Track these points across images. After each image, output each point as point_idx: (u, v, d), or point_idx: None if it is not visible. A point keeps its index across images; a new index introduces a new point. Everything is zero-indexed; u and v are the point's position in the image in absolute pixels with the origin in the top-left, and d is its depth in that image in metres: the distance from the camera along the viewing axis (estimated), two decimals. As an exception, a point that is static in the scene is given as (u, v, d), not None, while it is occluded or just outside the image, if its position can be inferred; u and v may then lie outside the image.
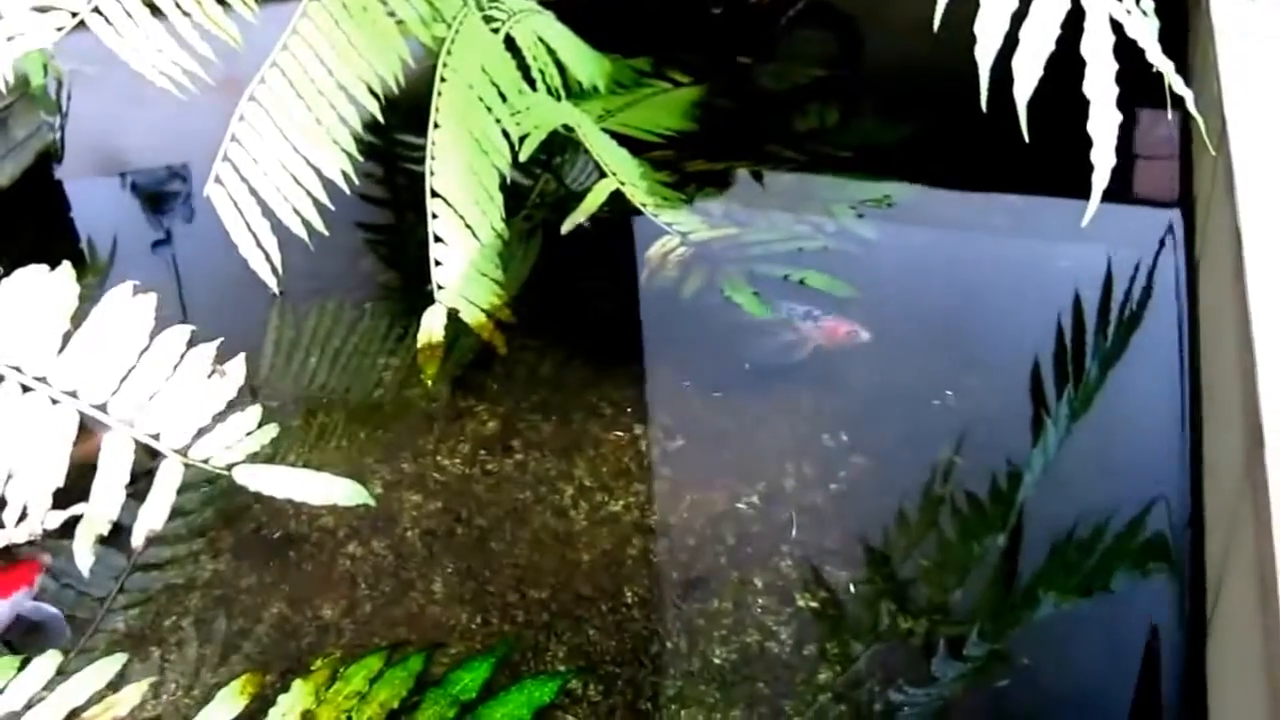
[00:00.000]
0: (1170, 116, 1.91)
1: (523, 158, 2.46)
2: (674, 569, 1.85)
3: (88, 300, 1.84)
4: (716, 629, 1.73)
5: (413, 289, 2.33)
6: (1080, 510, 1.85)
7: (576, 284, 2.56)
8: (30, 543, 1.67)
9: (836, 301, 2.31)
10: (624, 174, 2.56)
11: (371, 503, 1.85)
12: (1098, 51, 1.76)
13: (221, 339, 1.86)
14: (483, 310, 2.21)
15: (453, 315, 2.20)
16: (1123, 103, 1.77)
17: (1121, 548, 1.81)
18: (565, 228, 2.45)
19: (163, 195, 2.80)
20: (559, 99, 2.72)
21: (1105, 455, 1.98)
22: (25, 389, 1.69)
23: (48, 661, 1.60)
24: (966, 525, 1.87)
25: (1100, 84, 1.76)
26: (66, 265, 1.81)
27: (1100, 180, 1.76)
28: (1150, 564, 1.79)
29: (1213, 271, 2.01)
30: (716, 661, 1.68)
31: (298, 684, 1.61)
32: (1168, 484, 1.90)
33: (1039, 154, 1.81)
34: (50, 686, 1.58)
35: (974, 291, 2.43)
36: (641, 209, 2.50)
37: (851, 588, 1.78)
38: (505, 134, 2.46)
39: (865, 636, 1.70)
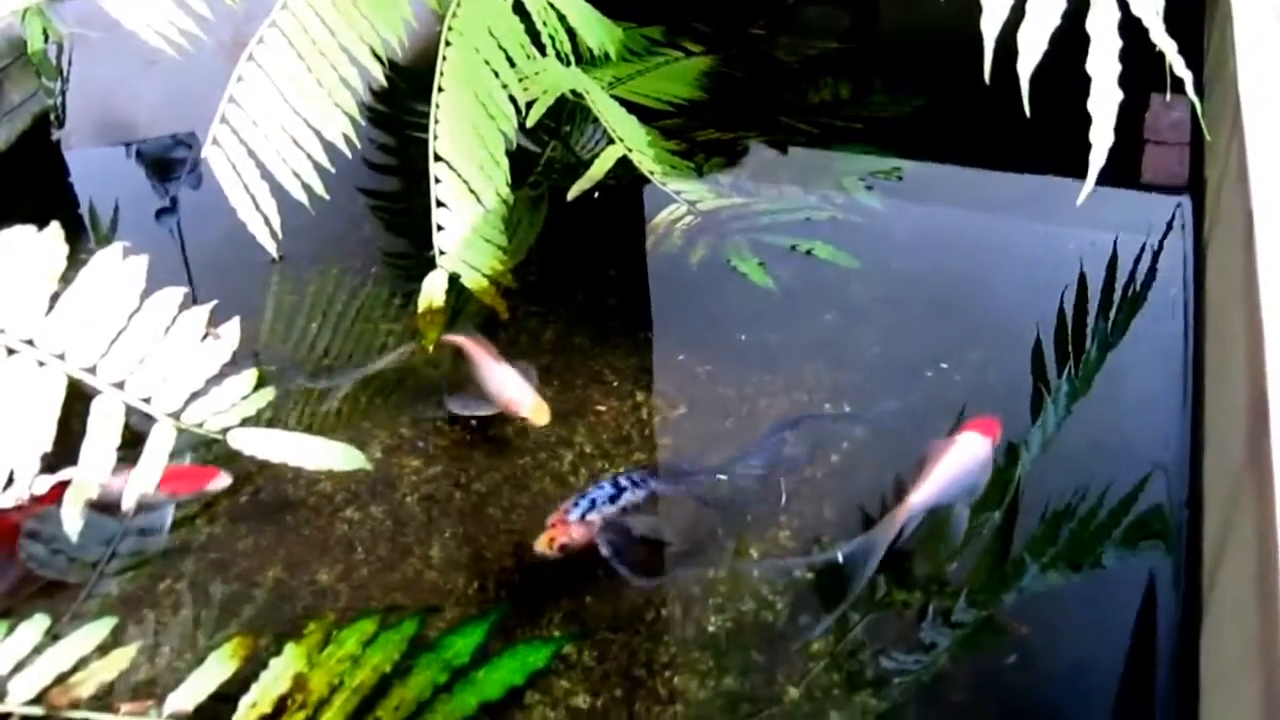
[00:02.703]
0: (1184, 101, 1.86)
1: (530, 123, 2.43)
2: (671, 537, 1.83)
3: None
4: (712, 597, 1.71)
5: (416, 255, 2.31)
6: (1078, 487, 1.82)
7: (583, 251, 2.53)
8: (18, 507, 1.65)
9: (839, 272, 2.28)
10: (632, 141, 2.53)
11: (368, 467, 1.84)
12: (1102, 28, 1.75)
13: (216, 302, 1.84)
14: (484, 275, 2.19)
15: (455, 280, 2.18)
16: (1138, 87, 1.75)
17: (1118, 524, 1.78)
18: (571, 194, 2.42)
19: (169, 162, 2.77)
20: (568, 65, 2.69)
21: (1104, 434, 1.95)
22: (11, 351, 1.66)
23: (34, 626, 1.58)
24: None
25: (1103, 61, 1.74)
26: (55, 226, 1.79)
27: (1098, 159, 1.74)
28: (1147, 541, 1.76)
29: (1221, 255, 1.98)
30: (711, 630, 1.66)
31: (290, 647, 1.59)
32: (1167, 463, 1.87)
33: (1052, 132, 1.81)
34: (39, 650, 1.56)
35: (979, 267, 2.39)
36: (649, 176, 2.48)
37: (839, 557, 1.74)
38: (513, 99, 2.43)
39: (860, 607, 1.67)
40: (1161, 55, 1.78)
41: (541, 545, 1.72)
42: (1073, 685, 1.59)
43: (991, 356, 2.11)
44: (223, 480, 1.83)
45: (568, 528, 1.73)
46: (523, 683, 1.58)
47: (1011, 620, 1.65)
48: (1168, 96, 1.85)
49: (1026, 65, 1.72)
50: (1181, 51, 1.81)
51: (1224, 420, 1.68)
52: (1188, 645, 1.57)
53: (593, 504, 1.76)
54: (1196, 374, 2.00)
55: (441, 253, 2.18)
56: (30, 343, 1.67)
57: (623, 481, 1.82)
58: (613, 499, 1.78)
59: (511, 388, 2.00)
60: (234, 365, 1.84)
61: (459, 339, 2.08)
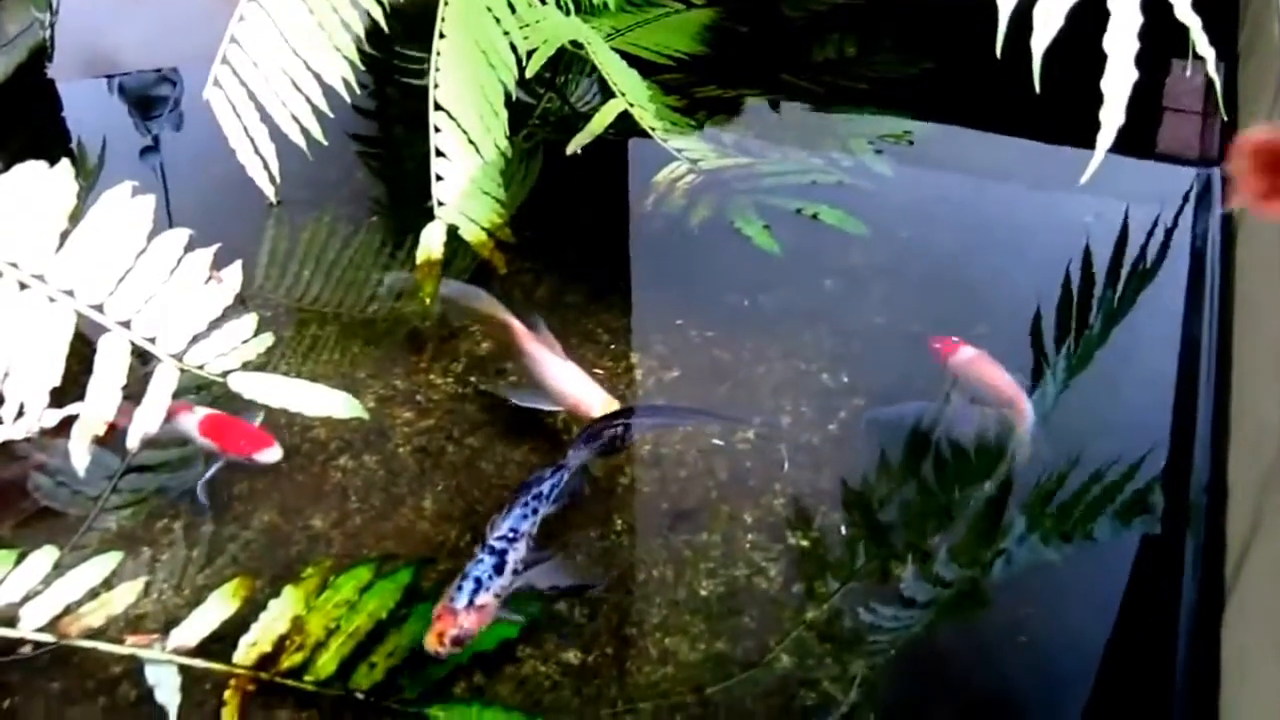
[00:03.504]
0: (1214, 69, 1.91)
1: (529, 73, 2.52)
2: (664, 500, 1.96)
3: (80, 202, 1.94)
4: (704, 561, 1.84)
5: (409, 205, 2.41)
6: (1080, 464, 1.94)
7: (578, 207, 2.64)
8: (27, 439, 1.78)
9: (843, 238, 2.38)
10: (633, 95, 2.62)
11: (366, 416, 1.96)
12: (1122, 4, 1.80)
13: (219, 245, 1.97)
14: (483, 228, 2.29)
15: (451, 232, 2.27)
16: (1158, 52, 1.83)
17: (1120, 500, 1.90)
18: (571, 148, 2.49)
19: (152, 98, 2.88)
20: (568, 14, 2.78)
21: (1104, 410, 2.07)
22: (23, 286, 1.79)
23: (44, 556, 1.72)
24: (959, 470, 1.97)
25: (1121, 38, 1.79)
26: (65, 163, 1.91)
27: (1105, 139, 1.81)
28: (1154, 520, 1.88)
29: (1255, 236, 2.03)
30: (703, 593, 1.80)
31: (289, 590, 1.73)
32: (1177, 442, 1.99)
33: (1066, 96, 1.85)
34: (47, 581, 1.70)
35: (988, 237, 2.50)
36: (650, 132, 2.56)
37: (843, 529, 1.89)
38: (513, 49, 2.52)
39: (853, 576, 1.82)
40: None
41: (431, 643, 1.64)
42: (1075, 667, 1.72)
43: (998, 327, 2.20)
44: (274, 453, 1.92)
45: (456, 618, 1.65)
46: (515, 636, 1.72)
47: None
48: (1188, 70, 1.92)
49: (1040, 41, 1.78)
50: (1217, 12, 1.85)
51: (1255, 407, 1.75)
52: (1206, 628, 1.67)
53: (478, 585, 1.68)
54: (1221, 353, 2.10)
55: (440, 203, 2.29)
56: (41, 279, 1.79)
57: (498, 544, 1.74)
58: (498, 569, 1.71)
59: (577, 386, 2.04)
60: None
61: (515, 326, 2.11)
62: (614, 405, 2.01)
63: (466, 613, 1.65)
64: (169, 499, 1.93)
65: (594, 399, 2.01)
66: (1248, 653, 1.49)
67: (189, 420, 1.90)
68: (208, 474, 1.93)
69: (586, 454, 1.94)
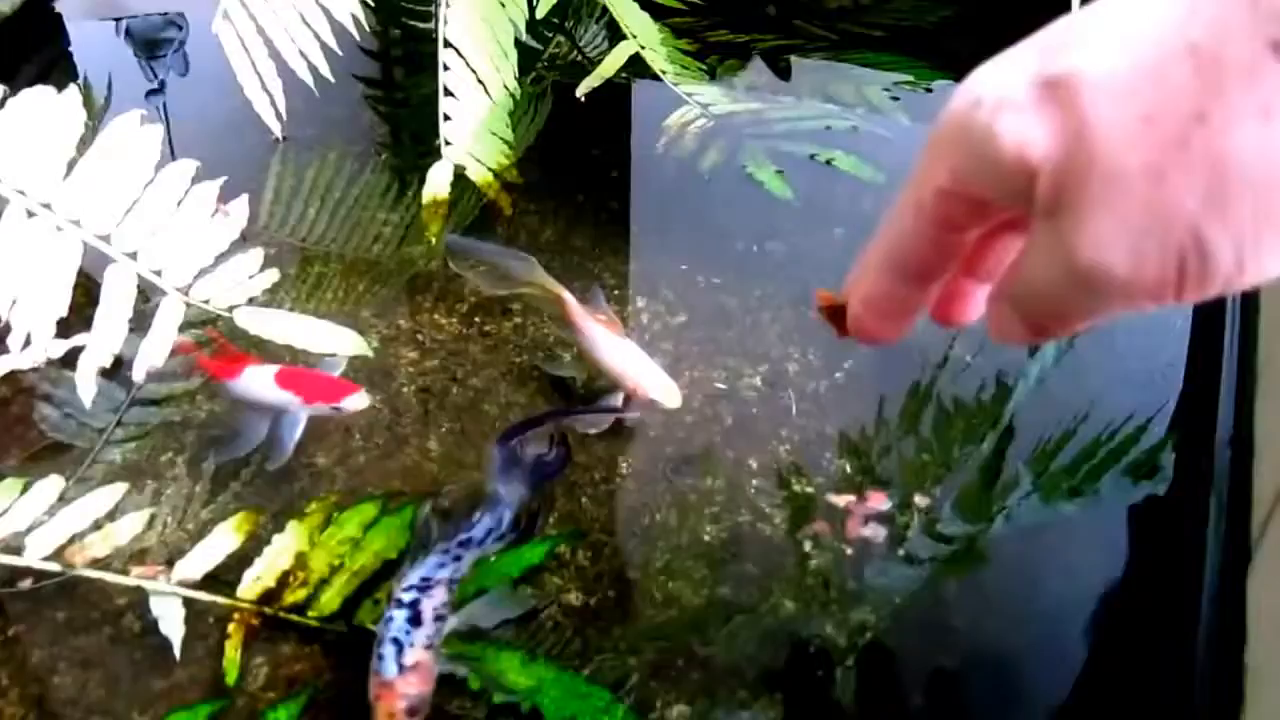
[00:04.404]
0: None
1: (540, 13, 2.54)
2: (669, 444, 1.99)
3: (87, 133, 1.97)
4: (709, 507, 1.88)
5: (415, 145, 2.45)
6: (1092, 417, 1.98)
7: (586, 150, 2.66)
8: (34, 370, 1.82)
9: (856, 186, 2.42)
10: (644, 38, 2.65)
11: (370, 354, 2.00)
12: None
13: (225, 178, 2.00)
14: (490, 169, 2.32)
15: (458, 173, 2.31)
16: None
17: (1135, 455, 1.93)
18: (581, 90, 2.52)
19: (157, 41, 2.90)
20: (580, -47, 2.81)
21: (1119, 361, 2.11)
22: (30, 214, 1.82)
23: (50, 486, 1.76)
24: (963, 423, 2.01)
25: None
26: (73, 89, 1.94)
27: None
28: (1174, 475, 1.90)
29: None
30: (707, 539, 1.84)
31: (293, 525, 1.77)
32: (1199, 394, 2.01)
33: None
34: (52, 511, 1.74)
35: None
36: (661, 76, 2.60)
37: (847, 468, 1.93)
38: (524, -12, 2.55)
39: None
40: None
41: None
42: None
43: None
44: (361, 399, 1.87)
45: (395, 690, 1.49)
46: (518, 576, 1.75)
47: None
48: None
49: None
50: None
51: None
52: (1231, 585, 1.68)
53: (399, 645, 1.53)
54: (1245, 300, 2.11)
55: (448, 143, 2.31)
56: (48, 207, 1.83)
57: (405, 596, 1.59)
58: (414, 620, 1.56)
59: (635, 366, 1.96)
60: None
61: (565, 298, 2.02)
62: (675, 390, 1.94)
63: (404, 678, 1.50)
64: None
65: (653, 382, 1.95)
66: (1274, 610, 1.51)
67: (261, 374, 1.90)
68: (294, 435, 1.90)
69: (521, 484, 1.83)
